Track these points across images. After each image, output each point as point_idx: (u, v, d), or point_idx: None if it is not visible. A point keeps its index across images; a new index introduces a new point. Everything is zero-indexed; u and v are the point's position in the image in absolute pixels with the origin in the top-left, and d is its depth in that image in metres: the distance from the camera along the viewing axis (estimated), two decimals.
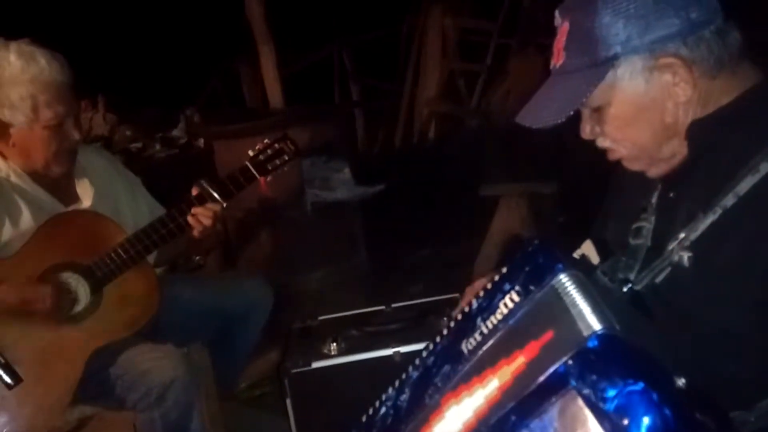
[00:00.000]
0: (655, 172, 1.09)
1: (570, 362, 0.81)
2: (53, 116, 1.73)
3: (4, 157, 1.79)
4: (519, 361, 0.88)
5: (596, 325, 0.81)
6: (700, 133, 1.03)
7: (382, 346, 1.78)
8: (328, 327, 1.98)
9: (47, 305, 1.68)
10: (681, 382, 0.79)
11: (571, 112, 1.02)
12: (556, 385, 0.82)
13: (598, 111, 1.06)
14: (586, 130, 1.09)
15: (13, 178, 1.79)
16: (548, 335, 0.86)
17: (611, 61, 1.00)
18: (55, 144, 1.76)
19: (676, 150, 1.05)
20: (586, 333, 0.82)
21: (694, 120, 1.03)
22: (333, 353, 1.80)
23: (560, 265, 0.87)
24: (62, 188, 1.88)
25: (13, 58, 1.69)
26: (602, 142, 1.09)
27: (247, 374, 2.53)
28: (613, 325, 0.82)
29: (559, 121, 1.03)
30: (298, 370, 1.78)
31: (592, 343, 0.80)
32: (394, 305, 2.07)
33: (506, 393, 0.89)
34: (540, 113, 1.07)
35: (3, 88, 1.70)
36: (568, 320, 0.84)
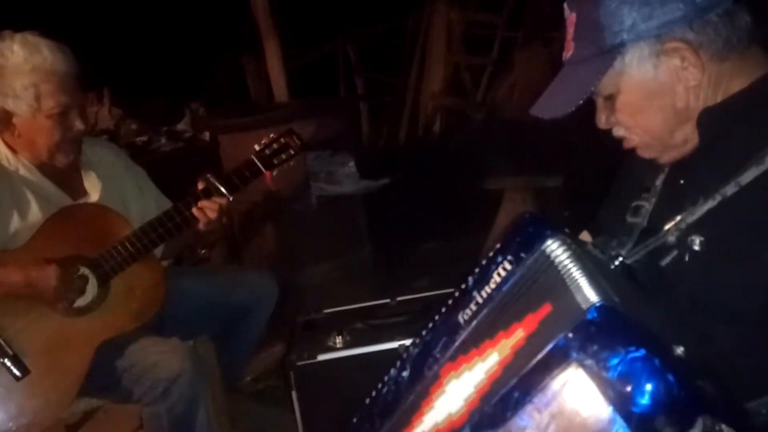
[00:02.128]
0: (667, 158, 1.10)
1: (570, 335, 0.82)
2: (55, 105, 1.73)
3: (14, 151, 1.81)
4: (518, 335, 0.90)
5: (594, 297, 0.82)
6: (710, 121, 1.03)
7: (387, 339, 1.78)
8: (333, 320, 1.99)
9: (52, 285, 1.68)
10: (679, 350, 0.80)
11: (581, 101, 1.03)
12: (557, 359, 0.83)
13: (611, 99, 1.07)
14: (602, 120, 1.10)
15: (22, 171, 1.80)
16: (546, 308, 0.87)
17: (618, 48, 1.01)
18: (58, 134, 1.77)
19: (689, 136, 1.05)
20: (584, 306, 0.83)
21: (705, 108, 1.03)
22: (338, 346, 1.80)
23: (548, 232, 0.89)
24: (70, 181, 1.89)
25: (17, 47, 1.71)
26: (617, 131, 1.10)
27: (252, 367, 2.53)
28: (611, 296, 0.83)
29: (570, 111, 1.04)
30: (304, 362, 1.79)
31: (591, 315, 0.82)
32: (399, 299, 2.07)
33: (507, 368, 0.90)
34: (551, 104, 1.09)
35: (6, 78, 1.71)
36: (565, 292, 0.85)
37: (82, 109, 1.83)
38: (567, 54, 1.08)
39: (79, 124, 1.79)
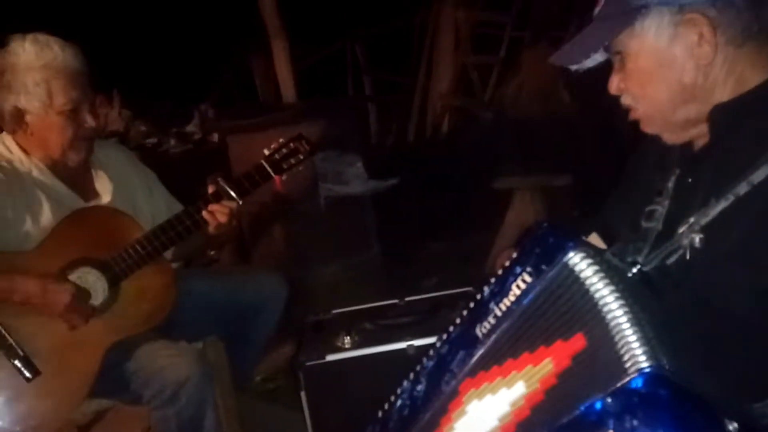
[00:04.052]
0: (669, 138, 1.11)
1: (609, 400, 0.76)
2: (67, 101, 1.76)
3: (27, 152, 1.82)
4: (547, 365, 0.85)
5: (641, 361, 0.75)
6: (721, 118, 1.04)
7: (396, 340, 1.78)
8: (341, 320, 1.99)
9: (66, 300, 1.68)
10: (732, 426, 0.73)
11: (595, 53, 1.08)
12: (592, 423, 0.77)
13: (625, 65, 1.09)
14: (614, 84, 1.12)
15: (35, 173, 1.82)
16: (579, 341, 0.82)
17: (641, 10, 1.03)
18: (70, 130, 1.78)
19: (692, 117, 1.06)
20: (629, 366, 0.76)
21: (717, 105, 1.04)
22: (347, 346, 1.81)
23: (571, 243, 0.86)
24: (82, 183, 1.90)
25: (27, 45, 1.74)
26: (625, 99, 1.12)
27: (262, 367, 2.54)
28: (661, 360, 0.75)
29: (583, 59, 1.09)
30: (313, 363, 1.79)
31: (635, 384, 0.75)
32: (407, 299, 2.07)
33: (536, 409, 0.86)
34: (570, 53, 1.12)
35: (18, 75, 1.73)
36: (600, 327, 0.80)
37: (92, 107, 1.85)
38: (596, 9, 1.12)
39: (90, 121, 1.81)
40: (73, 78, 1.76)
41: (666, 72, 1.05)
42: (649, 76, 1.06)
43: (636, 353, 0.76)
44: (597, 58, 1.14)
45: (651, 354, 0.76)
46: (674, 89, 1.05)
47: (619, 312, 0.80)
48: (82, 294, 1.73)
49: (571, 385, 0.82)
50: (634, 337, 0.77)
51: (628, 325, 0.78)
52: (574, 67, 1.14)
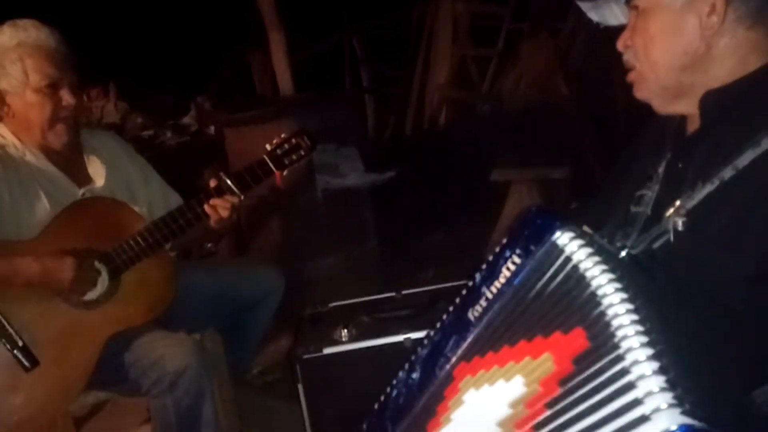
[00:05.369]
0: (657, 106, 1.12)
1: None
2: (42, 78, 1.76)
3: (20, 139, 1.83)
4: (546, 362, 0.83)
5: (665, 409, 0.68)
6: (712, 103, 1.05)
7: (393, 333, 1.78)
8: (339, 313, 1.99)
9: (68, 277, 1.70)
10: None
11: None
12: None
13: (637, 20, 1.10)
14: (623, 39, 1.14)
15: (29, 157, 1.83)
16: (580, 338, 0.80)
17: None
18: (49, 109, 1.79)
19: (685, 84, 1.07)
20: (652, 414, 0.68)
21: (708, 90, 1.05)
22: (344, 339, 1.81)
23: (558, 223, 0.87)
24: (74, 168, 1.90)
25: (4, 28, 1.77)
26: (627, 55, 1.14)
27: (259, 360, 2.54)
28: (684, 405, 0.69)
29: None
30: (310, 356, 1.79)
31: None
32: (404, 292, 2.07)
33: (537, 426, 0.83)
34: None
35: None
36: (602, 325, 0.77)
37: (73, 86, 1.84)
38: None
39: (69, 98, 1.81)
40: (49, 55, 1.77)
41: (672, 35, 1.06)
42: (655, 35, 1.08)
43: (653, 391, 0.70)
44: (620, 17, 1.16)
45: (673, 399, 0.69)
46: (676, 53, 1.06)
47: (621, 309, 0.77)
48: (84, 267, 1.74)
49: (575, 402, 0.78)
50: (642, 355, 0.72)
51: (633, 331, 0.75)
52: (595, 19, 1.16)
